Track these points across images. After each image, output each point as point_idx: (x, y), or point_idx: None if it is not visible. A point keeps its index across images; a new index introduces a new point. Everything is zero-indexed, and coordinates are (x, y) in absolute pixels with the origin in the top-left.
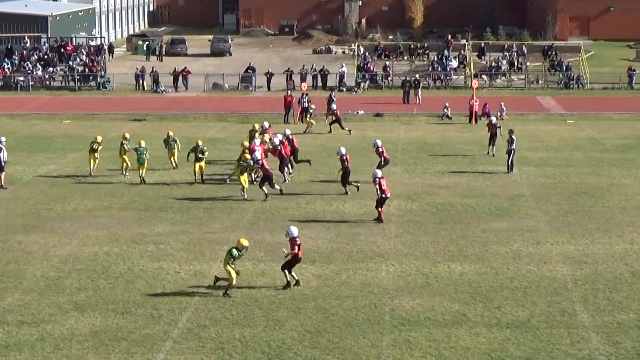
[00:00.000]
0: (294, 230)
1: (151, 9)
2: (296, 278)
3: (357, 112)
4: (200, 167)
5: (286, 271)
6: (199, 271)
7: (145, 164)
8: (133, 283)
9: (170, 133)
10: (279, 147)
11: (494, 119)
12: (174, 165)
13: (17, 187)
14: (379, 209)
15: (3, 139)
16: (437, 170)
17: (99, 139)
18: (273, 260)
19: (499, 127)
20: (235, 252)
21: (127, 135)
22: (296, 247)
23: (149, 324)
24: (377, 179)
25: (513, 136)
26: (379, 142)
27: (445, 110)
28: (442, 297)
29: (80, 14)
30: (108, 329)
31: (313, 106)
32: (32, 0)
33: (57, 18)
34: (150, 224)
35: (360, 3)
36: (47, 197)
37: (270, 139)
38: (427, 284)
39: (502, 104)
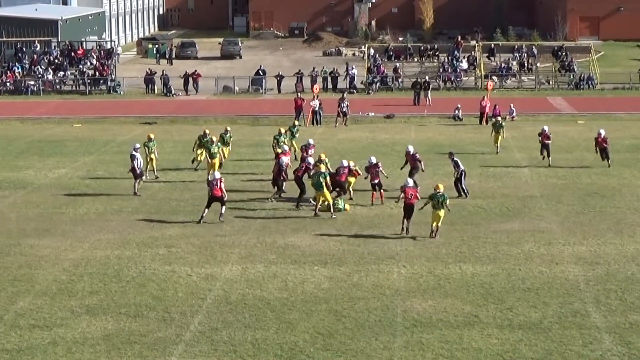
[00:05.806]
0: None
1: (161, 12)
2: None
3: (368, 114)
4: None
5: None
6: (211, 274)
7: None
8: (145, 286)
9: (152, 135)
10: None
11: (546, 128)
12: (154, 172)
13: (28, 191)
14: None
15: (137, 145)
16: (448, 172)
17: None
18: (285, 262)
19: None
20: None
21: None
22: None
23: (161, 327)
24: None
25: (456, 158)
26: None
27: (457, 111)
28: (454, 299)
29: (90, 17)
30: (120, 333)
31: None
32: (42, 4)
33: (67, 22)
34: (162, 227)
35: (370, 5)
36: (59, 201)
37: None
38: (438, 286)
39: (512, 105)
